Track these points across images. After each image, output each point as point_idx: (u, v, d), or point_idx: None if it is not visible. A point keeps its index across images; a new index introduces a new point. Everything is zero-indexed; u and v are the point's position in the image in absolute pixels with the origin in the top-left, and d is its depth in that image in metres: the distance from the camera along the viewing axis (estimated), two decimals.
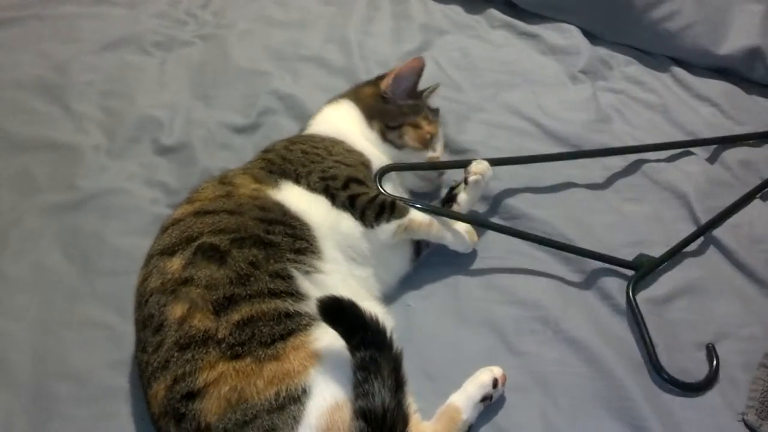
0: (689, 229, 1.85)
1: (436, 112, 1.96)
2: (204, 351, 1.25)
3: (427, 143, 1.86)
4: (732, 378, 1.53)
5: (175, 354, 1.26)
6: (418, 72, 1.88)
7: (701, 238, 1.83)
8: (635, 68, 2.51)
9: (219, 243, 1.40)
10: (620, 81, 2.45)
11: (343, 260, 1.58)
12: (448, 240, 1.71)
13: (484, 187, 1.82)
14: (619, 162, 2.05)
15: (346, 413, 1.19)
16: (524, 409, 1.46)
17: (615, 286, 1.69)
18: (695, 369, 1.54)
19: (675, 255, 1.77)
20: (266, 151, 1.77)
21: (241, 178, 1.62)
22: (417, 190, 1.89)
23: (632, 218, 1.90)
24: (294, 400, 1.19)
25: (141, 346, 1.34)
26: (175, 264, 1.38)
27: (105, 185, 1.94)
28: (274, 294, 1.34)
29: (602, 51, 2.56)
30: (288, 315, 1.31)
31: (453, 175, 1.93)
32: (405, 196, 1.79)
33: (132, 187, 1.94)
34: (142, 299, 1.38)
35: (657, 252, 1.75)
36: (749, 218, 1.89)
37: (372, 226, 1.62)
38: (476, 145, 2.04)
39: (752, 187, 1.98)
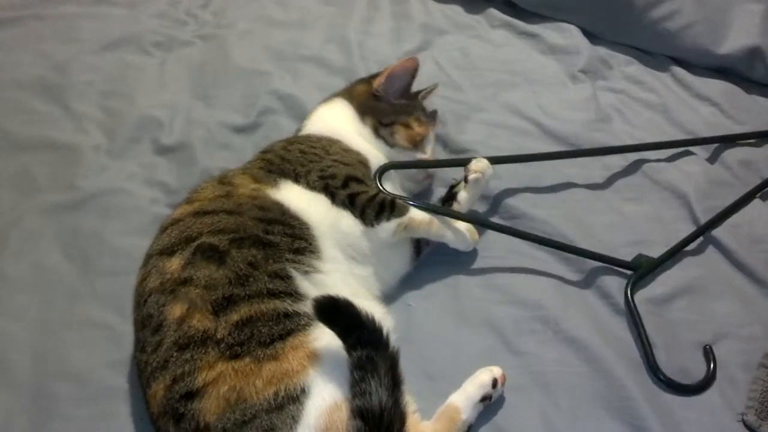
0: (689, 229, 1.85)
1: (433, 114, 1.95)
2: (203, 351, 1.25)
3: (417, 144, 1.85)
4: (732, 378, 1.53)
5: (174, 354, 1.26)
6: (412, 72, 1.88)
7: (701, 238, 1.83)
8: (635, 68, 2.51)
9: (218, 243, 1.40)
10: (620, 80, 2.45)
11: (343, 259, 1.58)
12: (449, 238, 1.71)
13: (485, 186, 1.82)
14: (619, 162, 2.05)
15: (344, 413, 1.19)
16: (524, 409, 1.46)
17: (615, 285, 1.69)
18: (695, 369, 1.54)
19: (674, 255, 1.77)
20: (265, 151, 1.77)
21: (240, 178, 1.62)
22: (403, 191, 1.87)
23: (632, 218, 1.90)
24: (293, 399, 1.19)
25: (140, 346, 1.34)
26: (174, 264, 1.38)
27: (105, 185, 1.94)
28: (272, 294, 1.34)
29: (602, 50, 2.56)
30: (287, 315, 1.31)
31: (450, 175, 1.93)
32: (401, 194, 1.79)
33: (132, 187, 1.94)
34: (140, 299, 1.38)
35: (657, 252, 1.75)
36: (749, 218, 1.89)
37: (372, 225, 1.62)
38: (476, 144, 2.04)
39: (752, 186, 1.98)
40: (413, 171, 1.86)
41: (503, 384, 1.45)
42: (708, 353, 1.56)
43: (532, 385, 1.50)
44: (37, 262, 1.75)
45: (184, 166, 2.02)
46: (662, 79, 2.46)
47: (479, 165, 1.77)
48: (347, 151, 1.76)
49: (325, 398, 1.20)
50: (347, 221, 1.61)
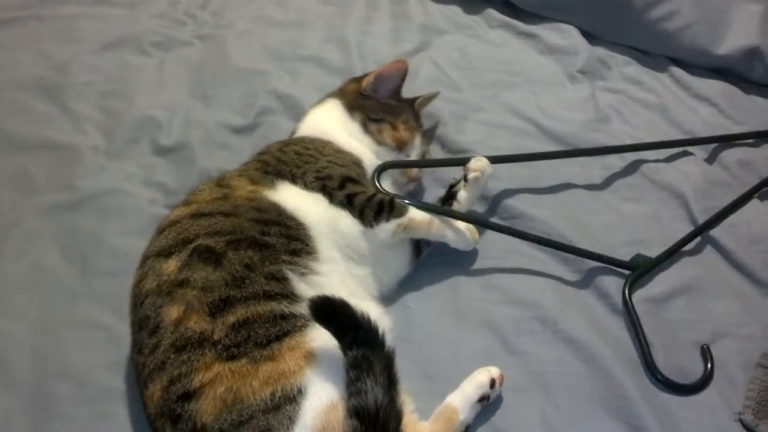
0: (687, 228, 1.85)
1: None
2: (200, 352, 1.25)
3: (402, 147, 1.85)
4: (730, 377, 1.53)
5: (171, 355, 1.26)
6: (401, 74, 1.89)
7: (699, 238, 1.83)
8: (634, 68, 2.51)
9: (215, 245, 1.40)
10: (619, 81, 2.45)
11: (341, 259, 1.58)
12: (449, 238, 1.70)
13: (484, 185, 1.82)
14: (617, 162, 2.05)
15: (341, 412, 1.19)
16: (523, 409, 1.46)
17: (613, 285, 1.69)
18: (693, 369, 1.54)
19: (672, 255, 1.77)
20: (261, 153, 1.78)
21: (237, 180, 1.62)
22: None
23: (630, 218, 1.90)
24: (289, 400, 1.19)
25: (137, 347, 1.34)
26: (171, 266, 1.38)
27: (103, 186, 1.94)
28: (269, 296, 1.34)
29: (601, 51, 2.56)
30: (283, 317, 1.31)
31: (448, 175, 1.93)
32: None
33: (130, 188, 1.94)
34: (137, 300, 1.38)
35: (655, 252, 1.76)
36: (747, 218, 1.89)
37: (371, 225, 1.61)
38: (475, 145, 2.03)
39: (750, 187, 1.98)
40: (397, 174, 1.85)
41: (501, 384, 1.46)
42: (705, 353, 1.57)
43: (530, 385, 1.51)
44: (36, 262, 1.75)
45: (183, 167, 2.02)
46: (661, 80, 2.46)
47: (478, 164, 1.76)
48: (340, 152, 1.76)
49: (321, 398, 1.20)
50: (345, 221, 1.61)
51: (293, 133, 1.90)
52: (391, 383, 1.20)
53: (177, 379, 1.23)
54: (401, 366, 1.25)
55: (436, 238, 1.70)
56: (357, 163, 1.75)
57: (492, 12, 2.74)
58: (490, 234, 1.79)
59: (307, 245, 1.51)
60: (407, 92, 1.98)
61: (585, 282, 1.72)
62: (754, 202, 1.95)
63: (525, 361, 1.55)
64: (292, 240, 1.49)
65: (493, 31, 2.68)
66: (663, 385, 1.50)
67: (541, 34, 2.60)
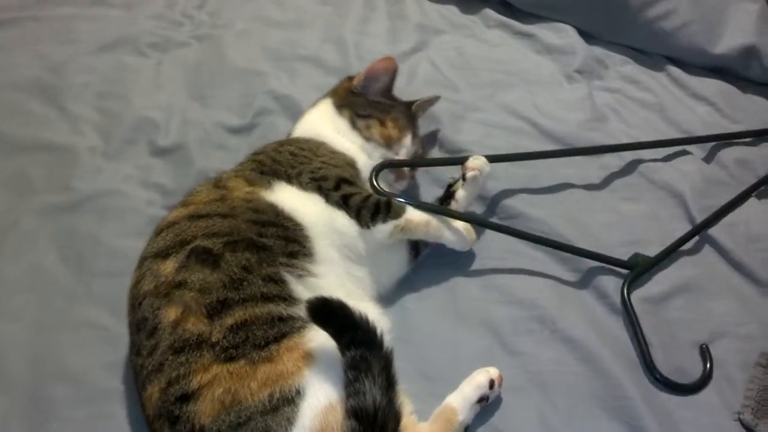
0: (685, 228, 1.85)
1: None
2: (198, 354, 1.25)
3: (390, 144, 1.84)
4: (729, 377, 1.54)
5: (170, 357, 1.26)
6: (390, 72, 1.89)
7: (697, 237, 1.83)
8: (631, 67, 2.51)
9: (212, 246, 1.40)
10: (616, 80, 2.45)
11: (339, 259, 1.58)
12: (446, 239, 1.70)
13: (483, 184, 1.82)
14: (615, 161, 2.05)
15: (339, 413, 1.19)
16: (521, 409, 1.46)
17: (611, 285, 1.69)
18: (692, 368, 1.54)
19: (670, 254, 1.77)
20: (256, 153, 1.78)
21: (234, 181, 1.62)
22: None
23: (629, 217, 1.90)
24: (288, 401, 1.19)
25: (135, 349, 1.34)
26: (168, 267, 1.38)
27: (101, 187, 1.94)
28: (267, 298, 1.34)
29: (598, 50, 2.56)
30: (281, 319, 1.31)
31: (446, 175, 1.93)
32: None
33: (128, 189, 1.94)
34: (135, 302, 1.38)
35: (653, 251, 1.76)
36: (745, 217, 1.90)
37: (368, 226, 1.61)
38: (472, 144, 2.03)
39: (748, 185, 1.99)
40: (386, 172, 1.83)
41: (500, 385, 1.46)
42: (704, 352, 1.57)
43: (529, 384, 1.51)
44: (33, 263, 1.75)
45: (181, 168, 2.02)
46: (658, 79, 2.47)
47: (476, 162, 1.76)
48: (334, 153, 1.76)
49: (320, 399, 1.20)
50: (342, 221, 1.61)
51: (290, 134, 1.90)
52: (389, 384, 1.20)
53: (175, 380, 1.23)
54: (399, 367, 1.25)
55: (434, 239, 1.70)
56: (351, 163, 1.75)
57: (489, 12, 2.75)
58: (489, 234, 1.80)
59: (305, 247, 1.51)
60: (405, 93, 1.98)
61: (583, 281, 1.72)
62: (752, 201, 1.95)
63: (523, 361, 1.55)
64: (289, 242, 1.49)
65: (490, 30, 2.68)
66: (662, 384, 1.50)
67: (538, 34, 2.61)
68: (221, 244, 1.41)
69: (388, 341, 1.25)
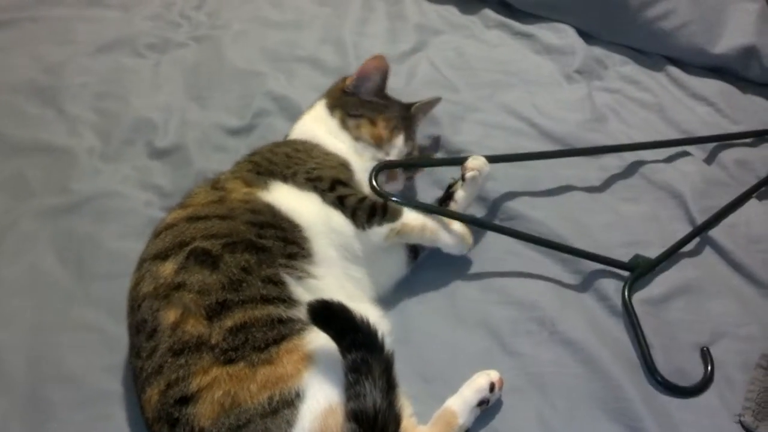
0: (685, 228, 1.85)
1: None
2: (197, 356, 1.24)
3: (380, 143, 1.82)
4: (729, 379, 1.53)
5: (169, 359, 1.26)
6: (381, 71, 1.87)
7: (698, 238, 1.83)
8: (630, 68, 2.52)
9: (211, 248, 1.40)
10: (615, 80, 2.45)
11: (338, 260, 1.58)
12: (443, 243, 1.69)
13: (482, 184, 1.81)
14: (615, 162, 2.05)
15: (339, 416, 1.19)
16: (521, 411, 1.45)
17: (611, 286, 1.69)
18: (692, 370, 1.54)
19: (671, 256, 1.76)
20: (252, 153, 1.78)
21: (232, 182, 1.62)
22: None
23: (628, 218, 1.89)
24: (287, 404, 1.19)
25: (135, 351, 1.34)
26: (167, 269, 1.37)
27: (99, 188, 1.94)
28: (266, 300, 1.34)
29: (597, 50, 2.56)
30: (281, 321, 1.30)
31: (444, 176, 1.92)
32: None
33: (126, 190, 1.93)
34: (134, 304, 1.38)
35: (653, 252, 1.75)
36: (745, 218, 1.89)
37: (363, 228, 1.60)
38: (472, 145, 2.03)
39: (748, 186, 1.98)
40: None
41: (501, 388, 1.45)
42: (705, 355, 1.56)
43: (528, 386, 1.50)
44: (32, 265, 1.74)
45: (179, 169, 2.01)
46: (658, 79, 2.47)
47: (476, 162, 1.76)
48: (327, 154, 1.75)
49: (319, 402, 1.20)
50: (339, 219, 1.60)
51: (287, 135, 1.90)
52: (390, 386, 1.20)
53: (174, 383, 1.23)
54: (398, 368, 1.25)
55: (430, 243, 1.69)
56: (345, 164, 1.75)
57: (488, 12, 2.75)
58: (488, 235, 1.79)
59: (303, 248, 1.51)
60: (405, 94, 1.98)
61: (583, 283, 1.71)
62: (753, 202, 1.95)
63: (522, 363, 1.54)
64: (288, 243, 1.49)
65: (489, 31, 2.68)
66: (663, 387, 1.49)
67: (538, 34, 2.61)
68: (220, 245, 1.40)
69: (388, 344, 1.24)
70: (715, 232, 1.84)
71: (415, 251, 1.74)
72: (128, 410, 1.44)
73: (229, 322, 1.28)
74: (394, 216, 1.62)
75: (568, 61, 2.48)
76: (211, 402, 1.20)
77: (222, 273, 1.35)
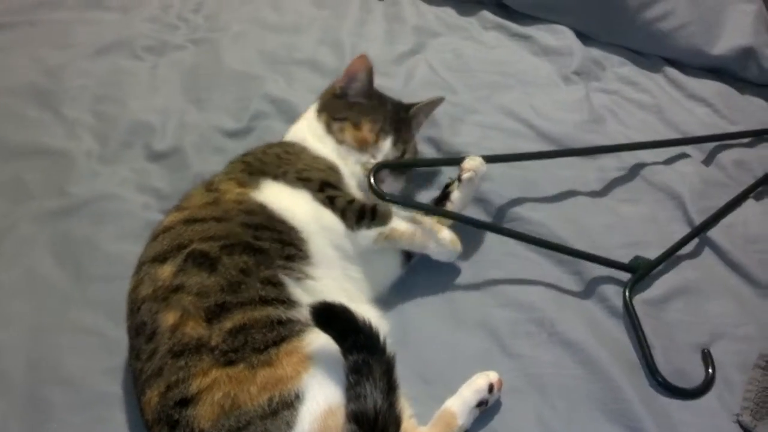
0: (684, 229, 1.85)
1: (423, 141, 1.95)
2: (197, 358, 1.24)
3: (364, 147, 1.80)
4: (727, 379, 1.53)
5: (169, 361, 1.26)
6: (365, 70, 1.84)
7: (697, 239, 1.83)
8: (628, 69, 2.52)
9: (209, 250, 1.40)
10: (613, 82, 2.46)
11: (336, 260, 1.58)
12: (431, 250, 1.67)
13: (479, 184, 1.81)
14: (613, 163, 2.05)
15: (339, 417, 1.19)
16: (520, 412, 1.45)
17: (610, 287, 1.69)
18: (691, 370, 1.54)
19: (671, 256, 1.77)
20: (245, 154, 1.79)
21: (226, 183, 1.62)
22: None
23: (627, 219, 1.90)
24: (287, 405, 1.19)
25: (134, 353, 1.34)
26: (166, 271, 1.38)
27: (97, 191, 1.93)
28: (265, 301, 1.34)
29: (595, 52, 2.57)
30: (280, 322, 1.31)
31: (442, 177, 1.93)
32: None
33: (124, 193, 1.93)
34: (134, 306, 1.38)
35: (652, 253, 1.75)
36: (743, 218, 1.90)
37: (352, 229, 1.60)
38: (470, 146, 2.02)
39: (746, 186, 1.99)
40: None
41: (500, 389, 1.45)
42: (707, 357, 1.56)
43: (527, 387, 1.50)
44: (29, 268, 1.74)
45: (177, 172, 2.01)
46: (656, 80, 2.47)
47: (472, 163, 1.76)
48: (315, 158, 1.76)
49: (319, 403, 1.20)
50: (330, 218, 1.60)
51: (284, 138, 1.90)
52: (390, 388, 1.20)
53: (174, 384, 1.23)
54: (398, 370, 1.25)
55: (419, 249, 1.68)
56: (333, 168, 1.75)
57: (486, 14, 2.75)
58: (487, 237, 1.79)
59: (301, 250, 1.51)
60: (403, 95, 1.97)
61: (581, 284, 1.72)
62: (750, 202, 1.96)
63: (521, 364, 1.54)
64: (285, 245, 1.49)
65: (487, 32, 2.69)
66: (665, 389, 1.50)
67: (536, 36, 2.61)
68: (218, 247, 1.41)
69: (390, 346, 1.24)
70: (712, 233, 1.85)
71: (409, 252, 1.73)
72: (128, 412, 1.43)
73: (228, 324, 1.28)
74: (383, 220, 1.62)
75: (566, 63, 2.49)
76: (211, 404, 1.20)
77: (220, 275, 1.36)
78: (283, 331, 1.29)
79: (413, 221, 1.65)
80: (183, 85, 2.35)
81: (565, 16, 2.65)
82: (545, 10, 2.69)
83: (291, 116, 2.10)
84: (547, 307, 1.65)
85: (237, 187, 1.60)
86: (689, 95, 2.40)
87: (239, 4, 2.83)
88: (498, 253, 1.78)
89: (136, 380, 1.32)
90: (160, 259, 1.41)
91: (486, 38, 2.65)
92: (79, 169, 2.00)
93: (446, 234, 1.67)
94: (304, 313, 1.31)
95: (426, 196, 1.91)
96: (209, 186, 1.63)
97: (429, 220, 1.68)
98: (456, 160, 1.81)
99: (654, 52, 2.57)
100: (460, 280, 1.74)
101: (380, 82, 1.89)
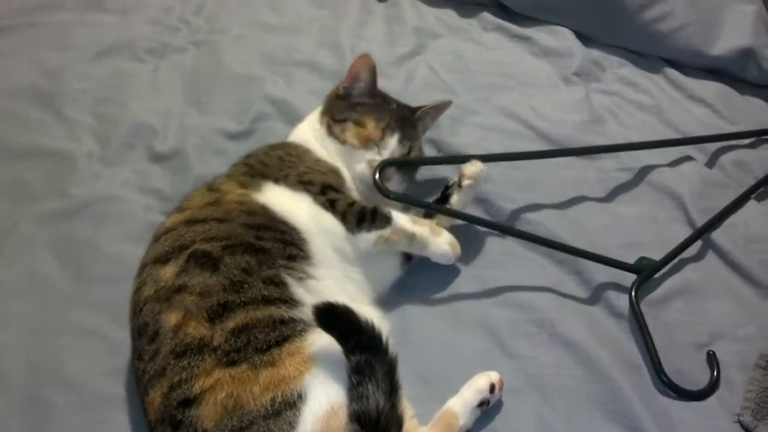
0: (684, 230, 1.86)
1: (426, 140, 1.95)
2: (200, 358, 1.25)
3: (369, 144, 1.79)
4: (728, 379, 1.54)
5: (171, 362, 1.26)
6: (369, 69, 1.84)
7: (700, 240, 1.84)
8: (628, 70, 2.52)
9: (211, 250, 1.40)
10: (613, 82, 2.46)
11: (337, 260, 1.58)
12: (431, 253, 1.67)
13: (478, 190, 1.81)
14: (613, 164, 2.06)
15: (341, 418, 1.19)
16: (520, 412, 1.46)
17: (611, 288, 1.69)
18: (692, 371, 1.55)
19: (675, 257, 1.77)
20: (247, 156, 1.79)
21: (227, 184, 1.63)
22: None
23: (627, 220, 1.90)
24: (290, 405, 1.19)
25: (137, 354, 1.34)
26: (168, 272, 1.38)
27: (98, 192, 1.93)
28: (268, 301, 1.34)
29: (595, 53, 2.57)
30: (283, 322, 1.31)
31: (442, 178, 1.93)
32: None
33: (125, 194, 1.93)
34: (137, 307, 1.38)
35: (652, 253, 1.75)
36: (744, 218, 1.90)
37: (353, 233, 1.60)
38: (469, 147, 2.02)
39: (747, 187, 1.99)
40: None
41: (501, 389, 1.45)
42: (711, 359, 1.57)
43: (528, 387, 1.50)
44: (31, 269, 1.74)
45: (178, 173, 2.01)
46: (655, 81, 2.48)
47: (473, 170, 1.76)
48: (318, 160, 1.76)
49: (321, 403, 1.20)
50: (330, 221, 1.60)
51: (286, 139, 1.90)
52: (392, 389, 1.21)
53: (177, 385, 1.23)
54: (399, 370, 1.25)
55: (418, 252, 1.68)
56: (335, 171, 1.75)
57: (486, 15, 2.76)
58: (487, 237, 1.80)
59: (302, 250, 1.51)
60: (403, 96, 1.97)
61: (582, 285, 1.72)
62: (751, 203, 1.96)
63: (522, 364, 1.54)
64: (287, 245, 1.49)
65: (487, 34, 2.69)
66: (670, 390, 1.50)
67: (535, 37, 2.61)
68: (220, 247, 1.41)
69: (392, 346, 1.24)
70: (713, 233, 1.85)
71: (409, 253, 1.74)
72: (130, 414, 1.44)
73: (230, 324, 1.28)
74: (383, 223, 1.62)
75: (565, 64, 2.49)
76: (214, 404, 1.20)
77: (222, 275, 1.36)
78: (285, 331, 1.29)
79: (413, 223, 1.65)
80: (184, 87, 2.36)
81: (565, 18, 2.65)
82: (545, 12, 2.69)
83: (292, 117, 2.11)
84: (547, 307, 1.65)
85: (239, 188, 1.60)
86: (689, 96, 2.40)
87: (239, 6, 2.83)
88: (498, 253, 1.79)
89: (138, 381, 1.32)
90: (162, 260, 1.41)
91: (486, 40, 2.65)
92: (80, 170, 2.01)
93: (446, 237, 1.68)
94: (306, 313, 1.31)
95: (427, 198, 1.91)
96: (211, 186, 1.63)
97: (429, 223, 1.69)
98: (461, 159, 1.82)
99: (653, 53, 2.58)
100: (461, 280, 1.74)
101: (380, 84, 1.89)
